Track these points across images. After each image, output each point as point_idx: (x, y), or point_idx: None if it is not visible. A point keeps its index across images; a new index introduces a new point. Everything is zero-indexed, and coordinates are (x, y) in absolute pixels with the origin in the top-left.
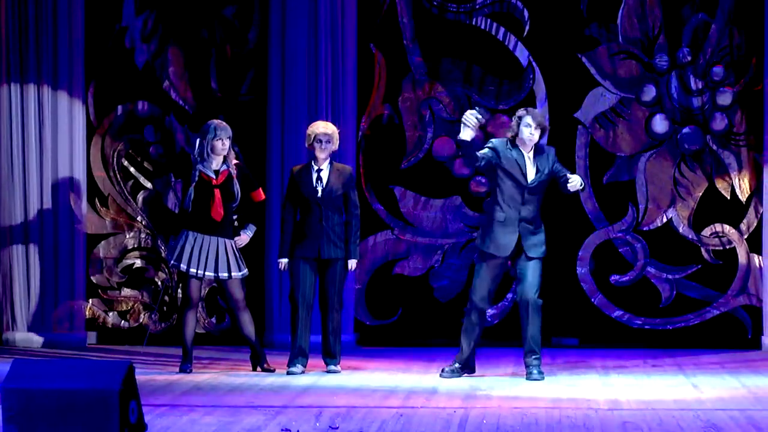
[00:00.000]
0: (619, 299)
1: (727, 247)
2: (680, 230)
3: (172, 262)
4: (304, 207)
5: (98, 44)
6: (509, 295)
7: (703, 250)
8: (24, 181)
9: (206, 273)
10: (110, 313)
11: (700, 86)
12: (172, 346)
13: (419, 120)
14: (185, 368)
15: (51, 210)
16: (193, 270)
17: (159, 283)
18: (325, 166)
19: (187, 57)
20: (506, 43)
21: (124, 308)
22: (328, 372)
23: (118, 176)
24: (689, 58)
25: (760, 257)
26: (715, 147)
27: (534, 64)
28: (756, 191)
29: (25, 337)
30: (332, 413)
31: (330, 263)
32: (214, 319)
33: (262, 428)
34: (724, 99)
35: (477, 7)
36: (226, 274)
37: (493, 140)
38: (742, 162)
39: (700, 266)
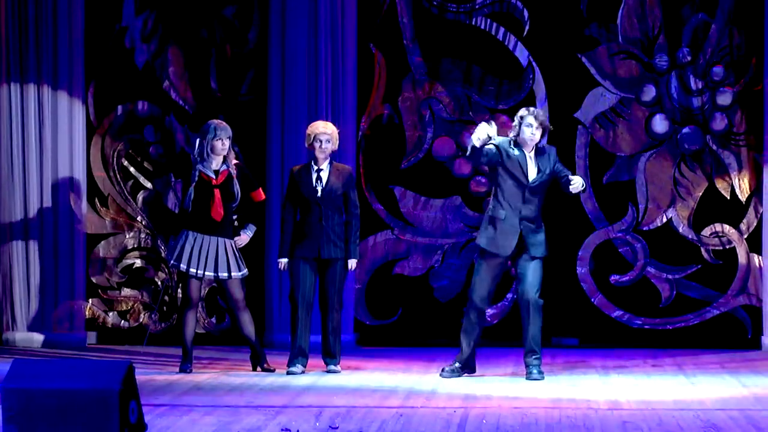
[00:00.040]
0: (619, 299)
1: (727, 247)
2: (680, 230)
3: (172, 262)
4: (304, 207)
5: (98, 44)
6: (509, 295)
7: (703, 250)
8: (24, 180)
9: (206, 273)
10: (110, 313)
11: (700, 86)
12: (172, 346)
13: (419, 120)
14: (185, 368)
15: (51, 210)
16: (193, 270)
17: (159, 283)
18: (325, 166)
19: (187, 57)
20: (506, 43)
21: (124, 308)
22: (328, 372)
23: (118, 176)
24: (689, 58)
25: (760, 257)
26: (715, 147)
27: (534, 64)
28: (756, 191)
29: (25, 336)
30: (332, 413)
31: (330, 263)
32: (214, 319)
33: (262, 428)
34: (724, 99)
35: (477, 7)
36: (226, 274)
37: (496, 138)
38: (742, 162)
39: (700, 266)
